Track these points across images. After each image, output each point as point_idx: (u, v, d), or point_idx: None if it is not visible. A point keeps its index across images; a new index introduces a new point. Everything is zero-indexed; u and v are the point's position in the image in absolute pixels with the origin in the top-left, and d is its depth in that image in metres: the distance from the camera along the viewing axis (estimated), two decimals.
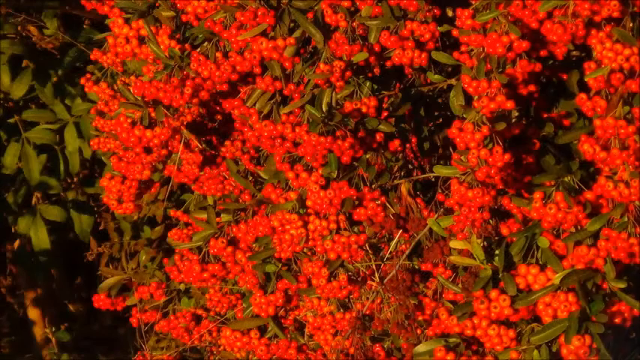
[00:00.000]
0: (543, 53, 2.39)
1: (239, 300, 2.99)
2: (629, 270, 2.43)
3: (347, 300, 2.70)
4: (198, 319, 3.13)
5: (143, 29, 2.71)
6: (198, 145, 2.83)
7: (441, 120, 2.88)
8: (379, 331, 2.67)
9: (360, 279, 2.67)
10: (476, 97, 2.33)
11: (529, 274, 2.40)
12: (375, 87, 2.63)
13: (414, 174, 2.77)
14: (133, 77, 2.82)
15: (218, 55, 2.59)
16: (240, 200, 2.84)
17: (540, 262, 2.42)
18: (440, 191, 2.50)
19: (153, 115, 2.68)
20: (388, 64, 2.53)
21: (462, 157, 2.34)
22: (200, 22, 2.62)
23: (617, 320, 2.40)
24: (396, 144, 2.65)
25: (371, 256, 2.70)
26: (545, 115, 2.64)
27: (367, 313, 2.68)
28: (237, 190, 2.85)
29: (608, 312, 2.36)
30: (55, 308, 5.35)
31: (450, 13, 2.55)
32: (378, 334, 2.68)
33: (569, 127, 2.61)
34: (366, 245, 2.66)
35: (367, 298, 2.69)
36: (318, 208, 2.57)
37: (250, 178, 2.85)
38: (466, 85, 2.35)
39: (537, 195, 2.36)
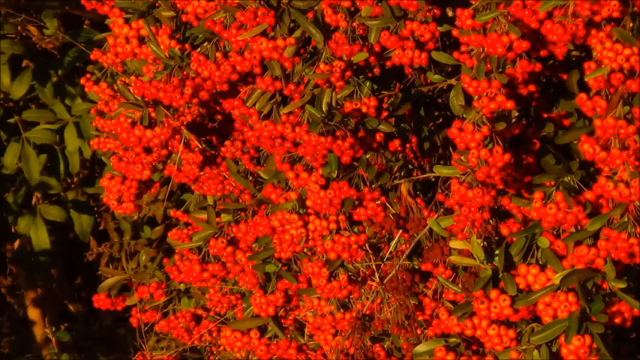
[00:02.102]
0: (543, 53, 2.39)
1: (239, 300, 2.99)
2: (629, 270, 2.43)
3: (347, 300, 2.70)
4: (198, 319, 3.13)
5: (143, 29, 2.71)
6: (198, 145, 2.83)
7: (441, 120, 2.88)
8: (379, 331, 2.67)
9: (360, 279, 2.67)
10: (476, 97, 2.33)
11: (529, 274, 2.40)
12: (375, 87, 2.63)
13: (414, 174, 2.77)
14: (133, 77, 2.82)
15: (218, 55, 2.59)
16: (240, 200, 2.84)
17: (540, 262, 2.42)
18: (440, 191, 2.50)
19: (153, 115, 2.68)
20: (388, 64, 2.53)
21: (462, 157, 2.34)
22: (200, 22, 2.63)
23: (617, 320, 2.40)
24: (396, 144, 2.65)
25: (371, 256, 2.70)
26: (545, 115, 2.64)
27: (367, 313, 2.68)
28: (237, 190, 2.85)
29: (608, 312, 2.36)
30: (55, 308, 5.35)
31: (450, 13, 2.55)
32: (378, 334, 2.68)
33: (569, 127, 2.61)
34: (366, 245, 2.66)
35: (367, 298, 2.69)
36: (318, 208, 2.57)
37: (250, 178, 2.85)
38: (466, 85, 2.35)
39: (537, 195, 2.36)
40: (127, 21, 2.75)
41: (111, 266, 3.61)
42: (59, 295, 5.49)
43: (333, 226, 2.58)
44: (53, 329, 4.79)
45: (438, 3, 2.47)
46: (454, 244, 2.49)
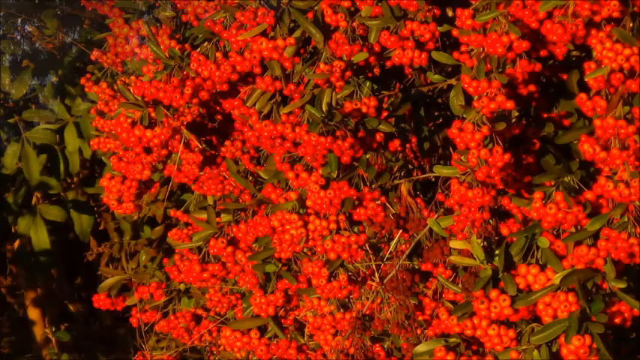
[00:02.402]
0: (543, 53, 2.39)
1: (239, 300, 2.99)
2: (629, 270, 2.43)
3: (347, 300, 2.70)
4: (198, 319, 3.13)
5: (143, 29, 2.72)
6: (198, 145, 2.83)
7: (441, 120, 2.88)
8: (379, 331, 2.67)
9: (360, 279, 2.67)
10: (476, 97, 2.33)
11: (529, 274, 2.40)
12: (375, 87, 2.63)
13: (414, 174, 2.77)
14: (133, 77, 2.82)
15: (218, 55, 2.59)
16: (240, 200, 2.84)
17: (540, 262, 2.42)
18: (440, 191, 2.50)
19: (153, 115, 2.68)
20: (388, 64, 2.53)
21: (462, 157, 2.34)
22: (200, 22, 2.63)
23: (617, 320, 2.40)
24: (396, 144, 2.65)
25: (371, 256, 2.70)
26: (545, 115, 2.64)
27: (367, 313, 2.68)
28: (237, 190, 2.85)
29: (608, 312, 2.36)
30: (55, 308, 5.35)
31: (450, 13, 2.55)
32: (378, 334, 2.68)
33: (569, 127, 2.61)
34: (366, 245, 2.66)
35: (367, 298, 2.69)
36: (318, 208, 2.57)
37: (250, 178, 2.85)
38: (466, 85, 2.35)
39: (537, 195, 2.36)
40: (126, 21, 2.75)
41: (111, 266, 3.61)
42: (59, 295, 5.49)
43: (333, 226, 2.58)
44: (53, 329, 4.80)
45: (438, 3, 2.47)
46: (454, 244, 2.49)
